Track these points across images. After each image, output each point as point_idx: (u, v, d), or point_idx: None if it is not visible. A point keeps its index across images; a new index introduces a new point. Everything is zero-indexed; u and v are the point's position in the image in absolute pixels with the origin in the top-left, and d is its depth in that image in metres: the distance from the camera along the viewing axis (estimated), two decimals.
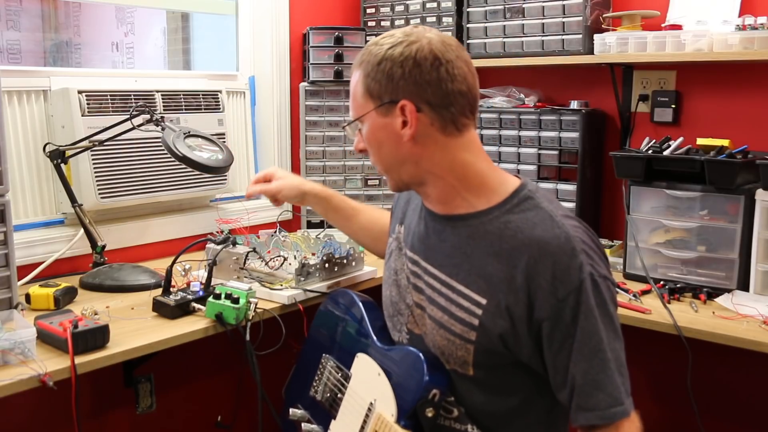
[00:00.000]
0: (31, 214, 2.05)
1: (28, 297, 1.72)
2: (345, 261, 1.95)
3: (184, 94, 2.27)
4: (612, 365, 1.13)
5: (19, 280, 1.73)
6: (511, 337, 1.18)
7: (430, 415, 1.22)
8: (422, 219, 1.37)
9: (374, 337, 1.40)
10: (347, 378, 1.40)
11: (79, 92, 2.01)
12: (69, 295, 1.78)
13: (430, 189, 1.30)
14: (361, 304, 1.50)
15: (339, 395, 1.41)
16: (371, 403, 1.30)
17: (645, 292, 1.99)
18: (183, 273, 1.86)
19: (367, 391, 1.33)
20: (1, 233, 1.60)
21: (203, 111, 2.31)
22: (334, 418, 1.40)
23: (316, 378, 1.52)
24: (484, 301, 1.20)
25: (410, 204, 1.45)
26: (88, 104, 2.02)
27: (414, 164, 1.27)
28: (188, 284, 1.79)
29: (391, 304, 1.42)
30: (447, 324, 1.25)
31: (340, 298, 1.60)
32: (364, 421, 1.30)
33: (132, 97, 2.12)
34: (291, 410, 1.55)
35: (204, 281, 1.77)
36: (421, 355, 1.26)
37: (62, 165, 1.96)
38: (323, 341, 1.57)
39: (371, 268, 2.01)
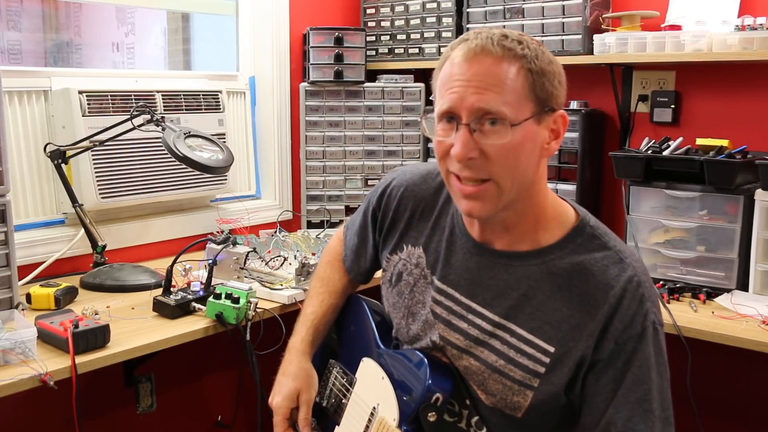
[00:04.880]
0: (32, 214, 2.05)
1: (28, 297, 1.73)
2: None
3: (184, 95, 2.27)
4: (655, 416, 1.09)
5: (19, 279, 1.73)
6: (575, 383, 1.13)
7: (432, 419, 1.19)
8: (461, 248, 1.23)
9: (379, 341, 1.38)
10: (352, 383, 1.39)
11: (80, 92, 2.01)
12: (69, 294, 1.78)
13: (510, 218, 1.15)
14: (366, 307, 1.49)
15: (343, 400, 1.40)
16: (374, 408, 1.28)
17: None
18: (183, 273, 1.86)
19: (371, 395, 1.31)
20: (2, 233, 1.60)
21: (203, 111, 2.32)
22: (338, 424, 1.39)
23: (322, 383, 1.49)
24: (552, 349, 1.12)
25: (425, 222, 1.30)
26: (88, 104, 2.02)
27: (531, 186, 1.13)
28: (188, 284, 1.79)
29: (409, 338, 1.30)
30: (504, 369, 1.16)
31: (346, 301, 1.58)
32: (367, 426, 1.29)
33: (132, 97, 2.12)
34: None
35: (204, 281, 1.78)
36: (424, 358, 1.23)
37: (63, 165, 1.96)
38: (329, 345, 1.55)
39: None
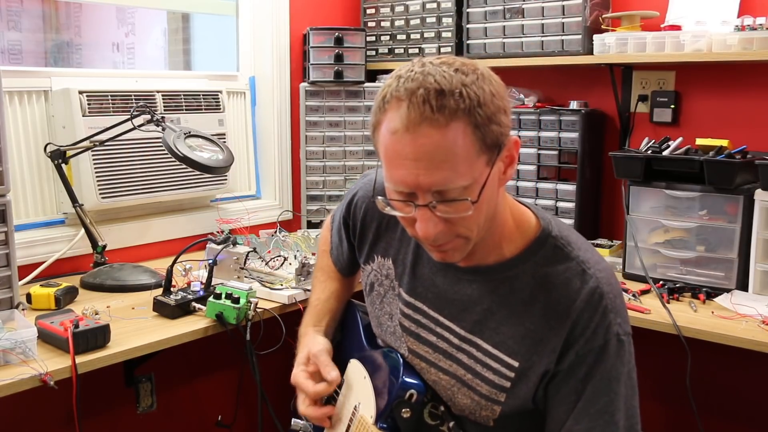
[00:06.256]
0: (32, 214, 2.06)
1: (29, 297, 1.73)
2: None
3: (184, 95, 2.27)
4: (617, 427, 1.08)
5: (20, 279, 1.73)
6: (540, 394, 1.13)
7: (406, 416, 1.19)
8: (427, 262, 1.22)
9: (365, 342, 1.40)
10: (340, 385, 1.40)
11: (80, 92, 2.01)
12: (70, 294, 1.78)
13: (475, 245, 1.11)
14: (357, 311, 1.50)
15: (333, 402, 1.41)
16: (355, 407, 1.29)
17: (644, 292, 1.99)
18: (183, 273, 1.86)
19: (354, 395, 1.32)
20: (3, 233, 1.61)
21: (204, 111, 2.32)
22: (328, 426, 1.41)
23: None
24: (516, 364, 1.12)
25: (392, 233, 1.29)
26: (88, 104, 2.02)
27: (494, 216, 1.09)
28: (189, 284, 1.80)
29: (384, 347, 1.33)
30: (471, 383, 1.16)
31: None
32: (348, 426, 1.30)
33: (132, 97, 2.13)
34: (293, 420, 1.55)
35: (204, 281, 1.78)
36: (400, 357, 1.24)
37: (63, 165, 1.96)
38: None
39: None
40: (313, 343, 1.36)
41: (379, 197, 1.07)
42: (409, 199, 1.02)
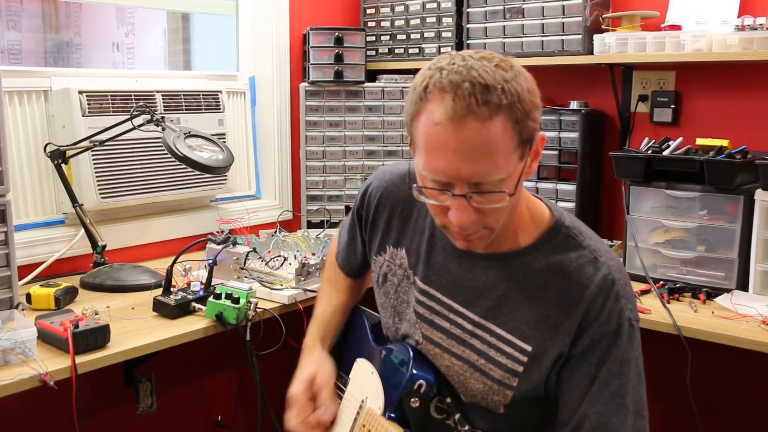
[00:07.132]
0: (32, 214, 2.05)
1: (28, 297, 1.73)
2: None
3: (184, 95, 2.27)
4: (628, 410, 1.11)
5: (19, 279, 1.73)
6: (552, 378, 1.16)
7: (415, 405, 1.22)
8: (441, 250, 1.24)
9: (372, 341, 1.41)
10: (346, 384, 1.41)
11: (80, 92, 2.01)
12: (69, 294, 1.78)
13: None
14: (363, 315, 1.51)
15: (337, 401, 1.42)
16: (363, 401, 1.31)
17: (644, 292, 1.99)
18: (183, 273, 1.86)
19: (361, 390, 1.34)
20: (2, 233, 1.60)
21: (203, 111, 2.32)
22: (333, 423, 1.41)
23: None
24: (529, 348, 1.15)
25: (404, 223, 1.31)
26: (88, 104, 2.02)
27: (514, 209, 1.12)
28: (188, 284, 1.80)
29: (399, 337, 1.34)
30: (484, 368, 1.19)
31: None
32: (355, 419, 1.31)
33: (132, 97, 2.13)
34: None
35: (204, 281, 1.78)
36: (410, 349, 1.26)
37: (63, 165, 1.96)
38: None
39: None
40: (322, 367, 1.38)
41: (414, 185, 1.09)
42: (446, 188, 1.04)
